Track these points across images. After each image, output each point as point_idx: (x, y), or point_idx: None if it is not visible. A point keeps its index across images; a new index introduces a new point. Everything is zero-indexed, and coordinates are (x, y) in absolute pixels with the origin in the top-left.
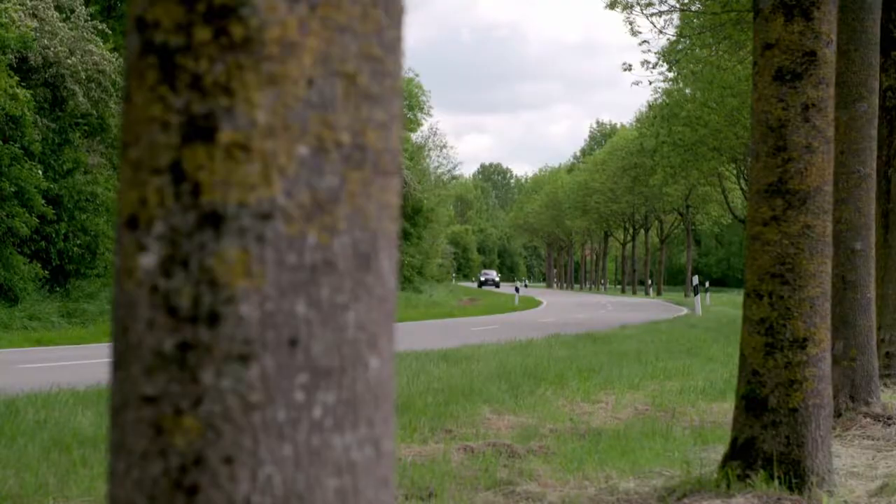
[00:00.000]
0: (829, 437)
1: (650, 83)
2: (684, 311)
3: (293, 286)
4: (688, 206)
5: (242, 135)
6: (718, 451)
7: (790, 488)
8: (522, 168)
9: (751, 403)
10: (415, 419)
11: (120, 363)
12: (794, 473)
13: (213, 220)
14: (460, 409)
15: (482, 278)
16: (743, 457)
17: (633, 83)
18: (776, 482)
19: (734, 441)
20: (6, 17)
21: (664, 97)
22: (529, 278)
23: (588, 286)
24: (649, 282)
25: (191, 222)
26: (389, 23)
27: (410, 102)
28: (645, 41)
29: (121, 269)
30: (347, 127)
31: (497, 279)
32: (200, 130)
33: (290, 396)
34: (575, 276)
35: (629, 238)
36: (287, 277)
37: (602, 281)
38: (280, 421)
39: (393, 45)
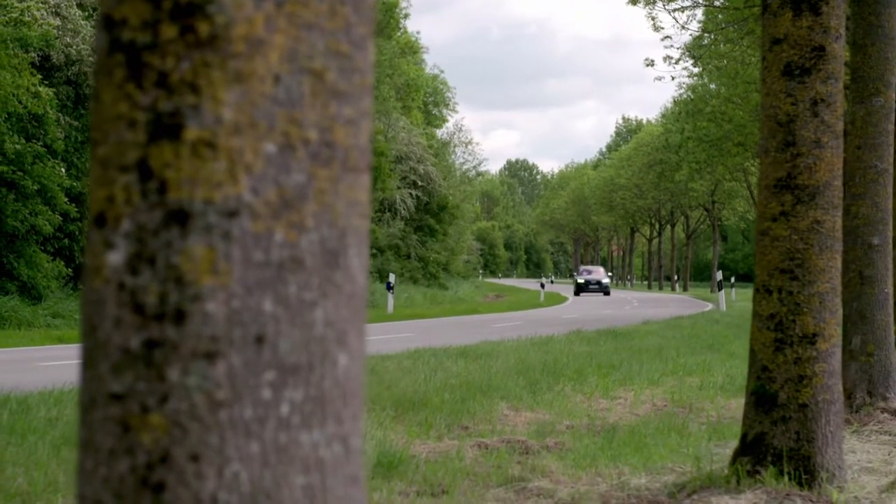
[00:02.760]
0: (839, 433)
1: (673, 78)
2: (709, 306)
3: (260, 283)
4: (713, 202)
5: (208, 132)
6: (733, 446)
7: (800, 484)
8: (549, 164)
9: (760, 399)
10: (431, 416)
11: (88, 361)
12: (804, 469)
13: (180, 218)
14: (477, 406)
15: (580, 279)
16: (753, 453)
17: (656, 78)
18: (786, 478)
19: (744, 437)
20: (28, 16)
21: (689, 93)
22: (556, 274)
23: (615, 282)
24: (675, 277)
25: (157, 220)
26: (358, 19)
27: (436, 99)
28: (667, 37)
29: (89, 266)
30: (315, 124)
31: (605, 282)
32: (167, 128)
33: (257, 394)
34: None
35: (655, 234)
36: (254, 275)
37: (628, 277)
38: (247, 418)
39: (362, 42)
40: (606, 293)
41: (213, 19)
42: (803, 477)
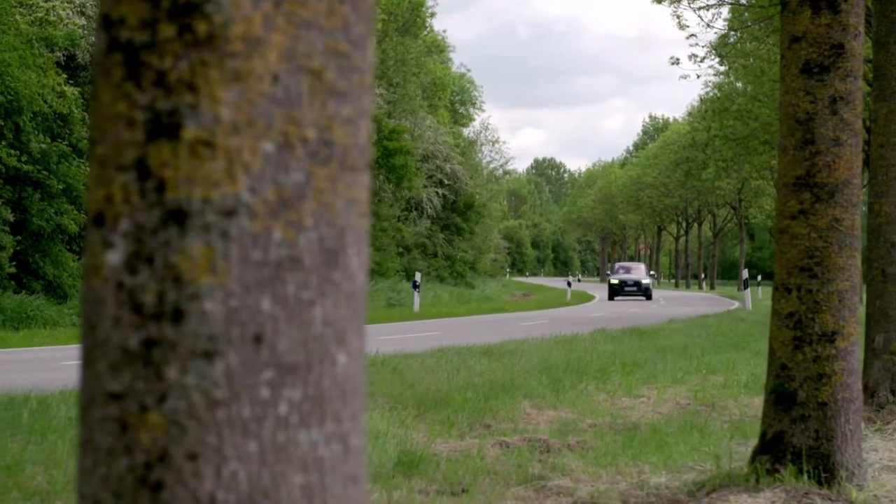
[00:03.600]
0: (858, 431)
1: (698, 77)
2: (736, 304)
3: (258, 282)
4: (740, 200)
5: (206, 131)
6: (754, 445)
7: (819, 483)
8: (576, 163)
9: (780, 397)
10: (453, 415)
11: (88, 360)
12: (824, 468)
13: (178, 217)
14: (500, 405)
15: (614, 280)
16: (772, 451)
17: (681, 77)
18: (805, 476)
19: (763, 435)
20: (54, 15)
21: (715, 91)
22: (584, 273)
23: None
24: (703, 276)
25: (155, 219)
26: (357, 18)
27: (462, 98)
28: (692, 35)
29: (88, 266)
30: (313, 123)
31: (646, 283)
32: (165, 127)
33: (255, 393)
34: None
35: (682, 232)
36: (252, 273)
37: (655, 275)
38: (245, 417)
39: (360, 41)
40: (648, 296)
41: (211, 19)
42: (822, 475)
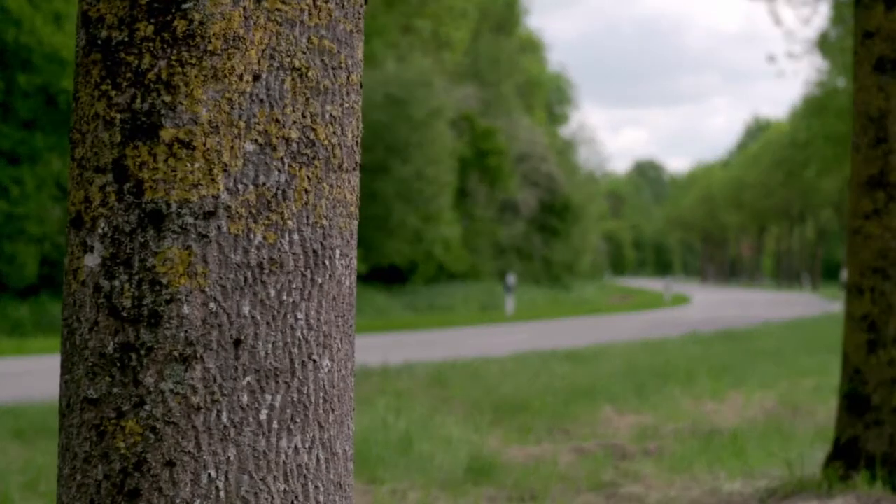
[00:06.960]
0: None
1: (796, 75)
2: (836, 306)
3: (238, 285)
4: (843, 200)
5: (185, 132)
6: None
7: (893, 489)
8: (678, 161)
9: (853, 402)
10: (530, 420)
11: (67, 366)
12: None
13: (155, 219)
14: (581, 409)
15: None
16: (845, 457)
17: (777, 74)
18: (878, 483)
19: (837, 440)
20: None
21: (816, 89)
22: (686, 274)
23: (744, 281)
24: (806, 277)
25: (133, 221)
26: (343, 15)
27: (560, 97)
28: (790, 32)
29: (67, 268)
30: (296, 122)
31: None
32: (143, 128)
33: (234, 398)
34: (731, 272)
35: (784, 233)
36: (231, 276)
37: (757, 276)
38: (224, 423)
39: (347, 38)
40: None
41: (190, 16)
42: None
